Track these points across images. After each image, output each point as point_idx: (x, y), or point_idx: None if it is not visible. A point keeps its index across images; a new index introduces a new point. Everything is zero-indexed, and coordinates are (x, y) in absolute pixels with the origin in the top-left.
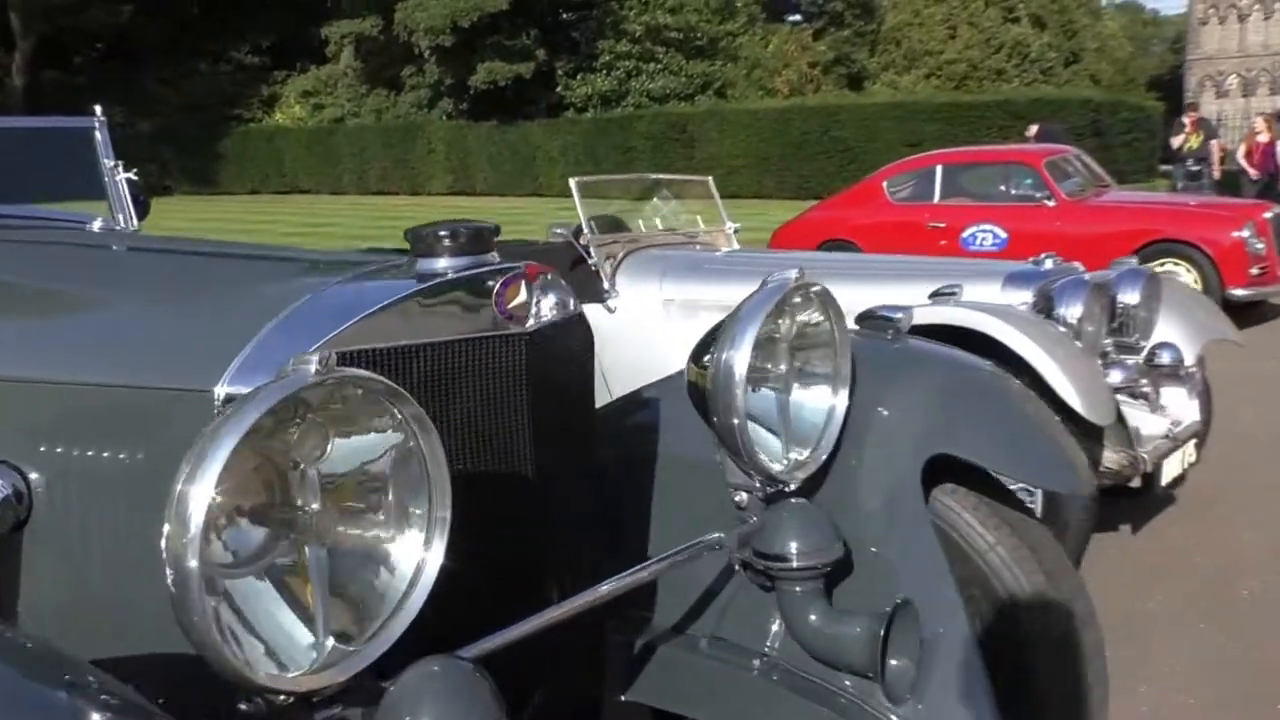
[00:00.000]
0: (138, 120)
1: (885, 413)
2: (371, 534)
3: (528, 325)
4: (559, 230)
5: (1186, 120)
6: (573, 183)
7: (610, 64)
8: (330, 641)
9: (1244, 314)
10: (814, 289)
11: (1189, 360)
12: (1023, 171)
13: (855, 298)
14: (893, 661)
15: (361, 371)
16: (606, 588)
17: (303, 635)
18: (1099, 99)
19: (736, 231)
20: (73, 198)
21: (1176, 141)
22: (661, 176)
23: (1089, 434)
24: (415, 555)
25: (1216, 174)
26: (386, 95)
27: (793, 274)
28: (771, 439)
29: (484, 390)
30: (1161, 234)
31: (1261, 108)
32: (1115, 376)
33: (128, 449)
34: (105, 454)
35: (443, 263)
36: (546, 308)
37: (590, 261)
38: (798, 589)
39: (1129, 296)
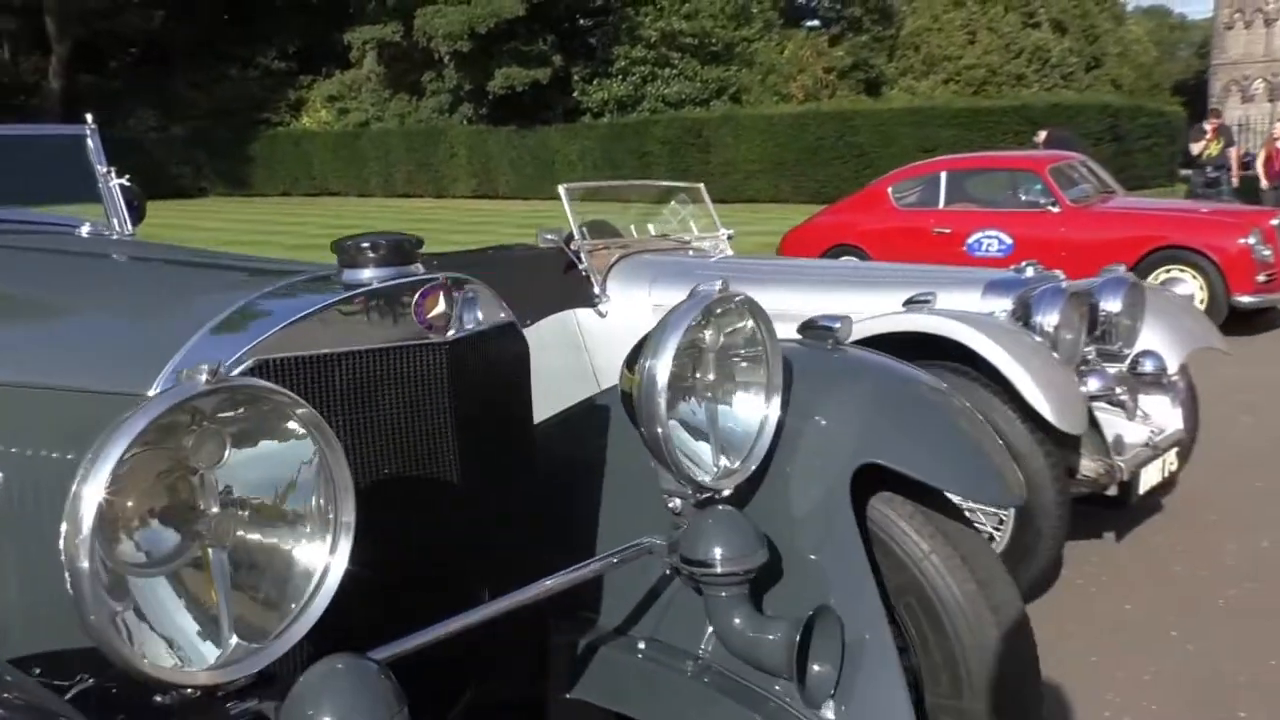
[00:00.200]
0: (171, 124)
1: (818, 422)
2: (276, 538)
3: (448, 335)
4: (550, 236)
5: (1208, 126)
6: (562, 189)
7: (626, 69)
8: (234, 640)
9: (1250, 322)
10: (738, 299)
11: (1172, 369)
12: (1028, 178)
13: (831, 304)
14: (814, 667)
15: (256, 380)
16: (533, 590)
17: (206, 633)
18: (1118, 104)
19: (730, 238)
20: (74, 202)
21: (1196, 148)
22: (655, 183)
23: (1064, 442)
24: (320, 558)
25: (1235, 181)
26: (408, 100)
27: (717, 285)
28: (702, 447)
29: (405, 398)
30: (1167, 240)
31: None
32: (1093, 384)
33: (74, 450)
34: (53, 454)
35: (367, 273)
36: (470, 318)
37: (581, 267)
38: (723, 594)
39: (1111, 304)
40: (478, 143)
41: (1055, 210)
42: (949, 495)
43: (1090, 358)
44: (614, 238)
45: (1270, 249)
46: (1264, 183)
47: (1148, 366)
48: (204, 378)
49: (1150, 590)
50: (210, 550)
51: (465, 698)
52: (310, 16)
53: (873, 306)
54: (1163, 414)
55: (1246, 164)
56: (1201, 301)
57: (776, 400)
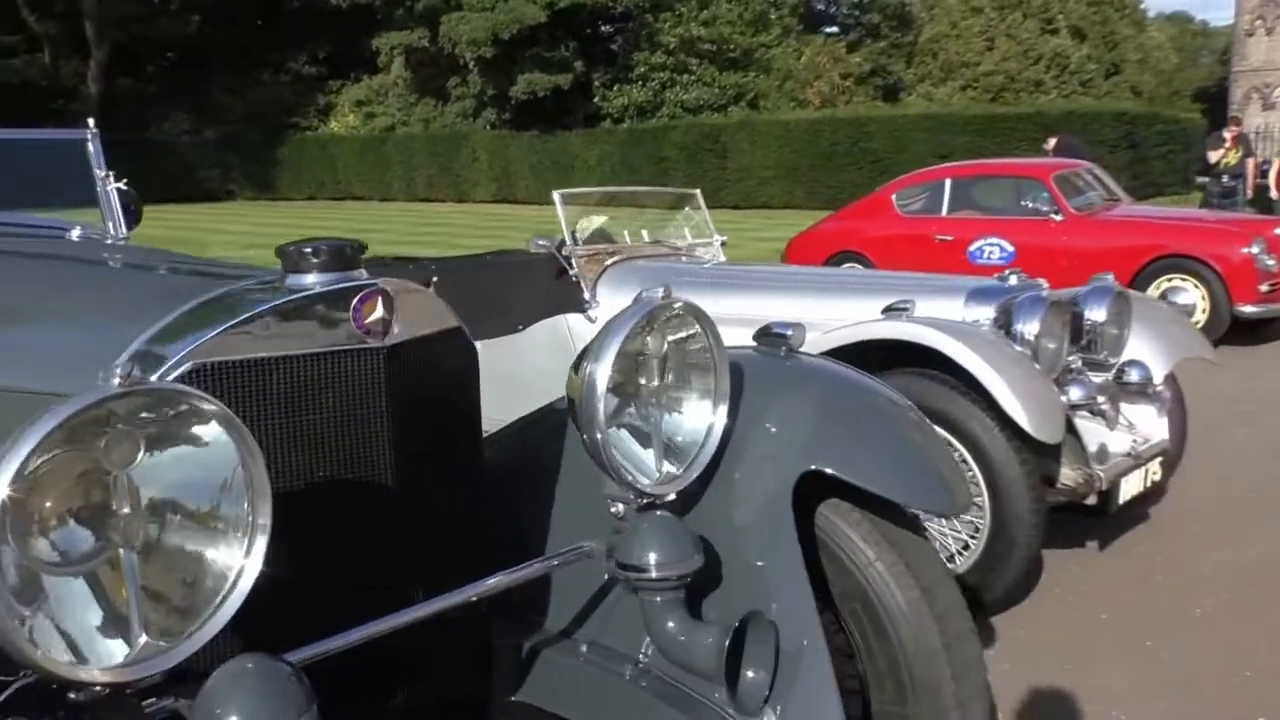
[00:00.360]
0: (205, 128)
1: (767, 428)
2: (191, 539)
3: (386, 340)
4: (542, 242)
5: (1227, 135)
6: (556, 195)
7: (645, 75)
8: (143, 639)
9: (1255, 332)
10: (681, 306)
11: (1158, 379)
12: (1032, 185)
13: (809, 311)
14: (748, 674)
15: (169, 384)
16: (464, 593)
17: (117, 632)
18: (1134, 111)
19: (724, 244)
20: (79, 205)
21: (1214, 156)
22: (652, 189)
23: (1042, 451)
24: (235, 560)
25: (1250, 191)
26: (434, 105)
27: (659, 292)
28: (646, 453)
29: (341, 401)
30: (1168, 249)
31: None
32: (1074, 393)
33: None
34: None
35: (310, 278)
36: (412, 324)
37: (571, 273)
38: (658, 598)
39: (1096, 313)
40: (499, 148)
41: (1058, 218)
42: (898, 503)
43: (1074, 366)
44: (607, 244)
45: (1274, 259)
46: (1274, 193)
47: (1133, 376)
48: (116, 380)
49: (1129, 599)
50: (122, 551)
51: (398, 698)
52: (340, 22)
53: (853, 314)
54: (1148, 424)
55: (1264, 172)
56: (1204, 311)
57: (723, 407)
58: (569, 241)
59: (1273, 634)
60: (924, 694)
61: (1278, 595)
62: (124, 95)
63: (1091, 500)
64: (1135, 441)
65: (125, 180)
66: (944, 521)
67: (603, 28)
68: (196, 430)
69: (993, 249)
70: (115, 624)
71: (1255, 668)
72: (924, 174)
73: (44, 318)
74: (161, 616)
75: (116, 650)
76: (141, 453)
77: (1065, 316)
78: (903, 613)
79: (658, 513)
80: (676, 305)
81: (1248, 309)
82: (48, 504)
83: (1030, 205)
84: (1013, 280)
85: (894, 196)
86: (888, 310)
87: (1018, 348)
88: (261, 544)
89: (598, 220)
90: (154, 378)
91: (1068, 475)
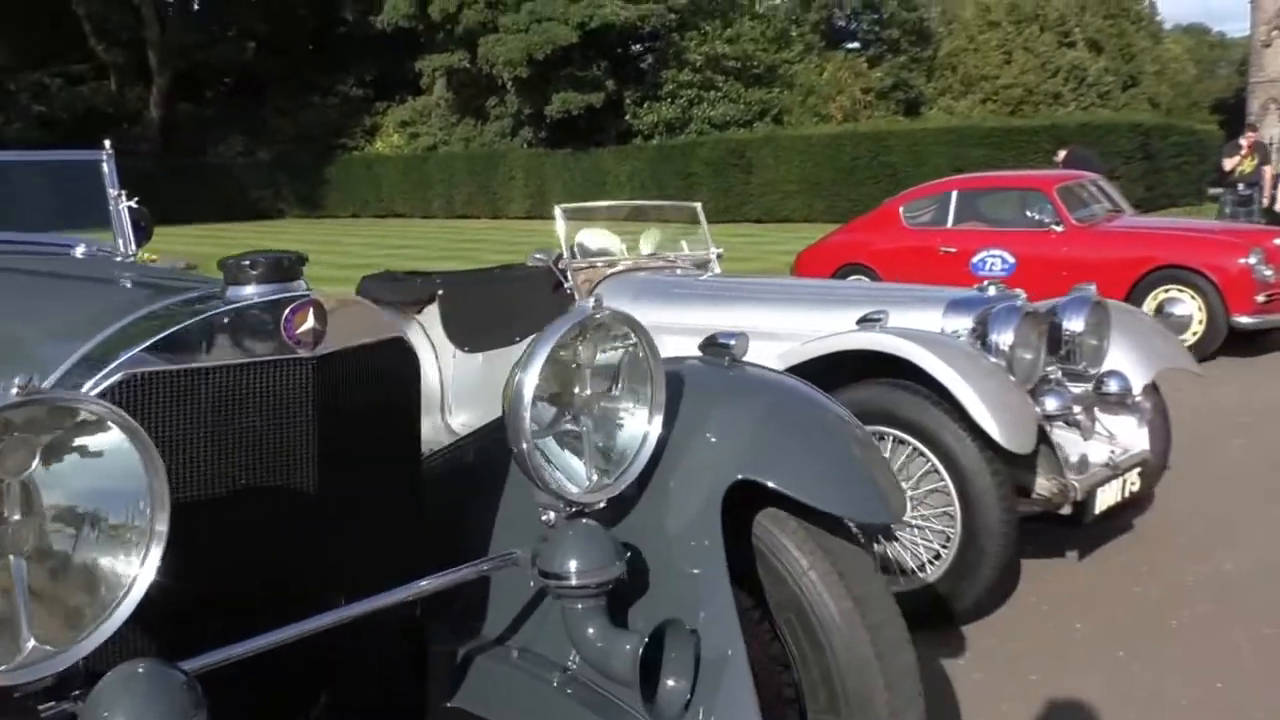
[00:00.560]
0: (258, 149)
1: (705, 437)
2: (86, 546)
3: (316, 350)
4: (539, 256)
5: (1243, 142)
6: (557, 210)
7: (674, 93)
8: (30, 643)
9: (1254, 343)
10: (613, 317)
11: (1137, 389)
12: (1035, 197)
13: (787, 322)
14: (668, 682)
15: (72, 394)
16: (378, 600)
17: (3, 636)
18: (1149, 123)
19: (720, 257)
20: (99, 223)
21: (1229, 164)
22: (651, 203)
23: (1016, 461)
24: (130, 568)
25: (1266, 201)
26: (474, 124)
27: (590, 303)
28: (578, 462)
29: (268, 410)
30: (1165, 260)
31: None
32: (1050, 404)
33: None
34: None
35: (248, 290)
36: (346, 334)
37: (566, 286)
38: (579, 606)
39: (1074, 324)
40: (535, 165)
41: (1059, 229)
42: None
43: (1053, 377)
44: (605, 257)
45: (1272, 269)
46: None
47: (1112, 386)
48: (15, 391)
49: (1104, 610)
50: (11, 557)
51: (319, 704)
52: (386, 46)
53: (833, 325)
54: (1128, 434)
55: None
56: (1200, 322)
57: (659, 417)
58: (566, 255)
59: (1248, 646)
60: (857, 703)
61: (1256, 607)
62: (184, 120)
63: (1066, 510)
64: (1113, 452)
65: (137, 199)
66: (915, 530)
67: (633, 47)
68: (97, 439)
69: (994, 260)
70: (2, 629)
71: (1228, 680)
72: (930, 186)
73: (13, 329)
74: (53, 622)
75: (2, 654)
76: (36, 462)
77: (1041, 327)
78: (835, 622)
79: (583, 521)
80: (608, 316)
81: (1245, 320)
82: None
83: (1035, 217)
84: (991, 291)
85: (901, 209)
86: (862, 321)
87: (992, 358)
88: (157, 553)
89: (600, 235)
90: (86, 387)
91: (1043, 485)
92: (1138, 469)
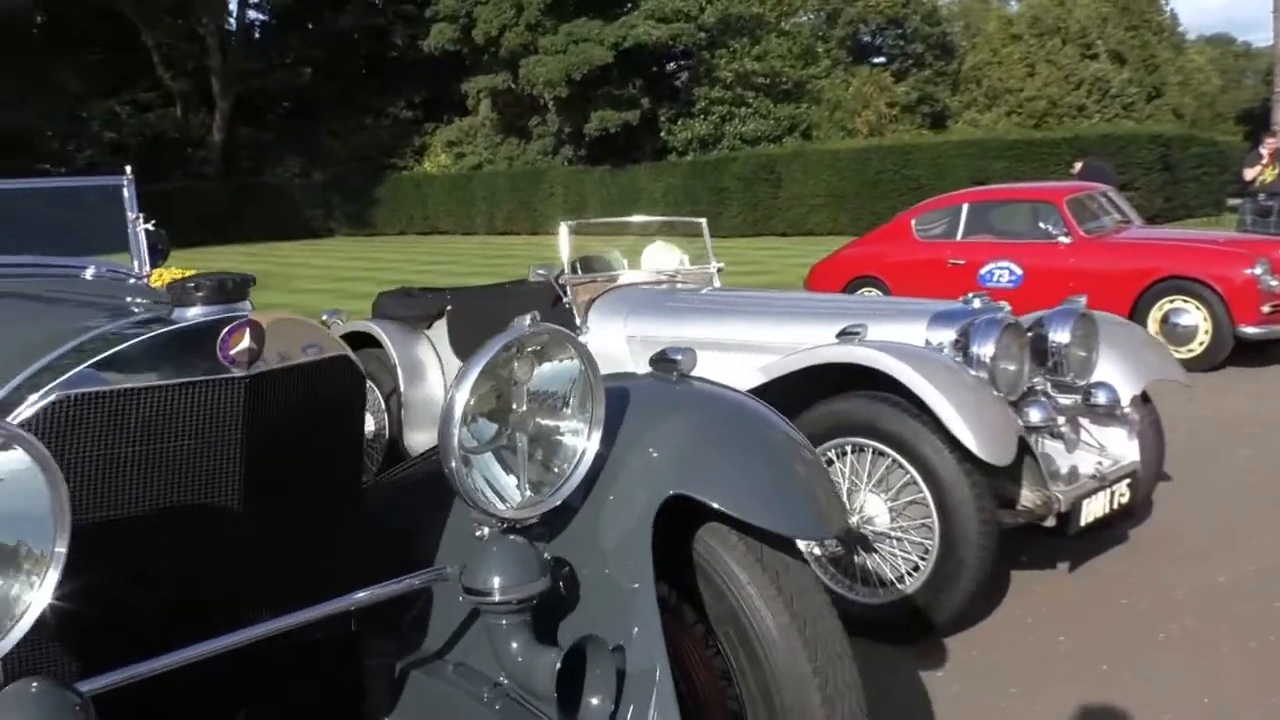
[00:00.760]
0: (314, 170)
1: (641, 453)
2: None
3: (250, 370)
4: (540, 271)
5: (1264, 150)
6: (562, 226)
7: (706, 109)
8: None
9: (1265, 354)
10: (547, 334)
11: (1126, 400)
12: (1045, 209)
13: (770, 335)
14: (592, 700)
15: None
16: (293, 619)
17: None
18: (1170, 134)
19: (720, 270)
20: (115, 248)
21: (1250, 173)
22: (658, 219)
23: (998, 472)
24: (25, 588)
25: None
26: (518, 143)
27: (527, 320)
28: (508, 478)
29: (199, 430)
30: (1170, 271)
31: None
32: (1034, 415)
33: None
34: None
35: (193, 311)
36: (285, 353)
37: (565, 300)
38: (502, 622)
39: (1060, 336)
40: (574, 182)
41: (1067, 241)
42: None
43: (1039, 388)
44: (604, 271)
45: (1278, 279)
46: None
47: (1101, 398)
48: None
49: (1091, 622)
50: None
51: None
52: (434, 69)
53: (814, 337)
54: (1118, 446)
55: None
56: (1206, 332)
57: (598, 433)
58: (567, 271)
59: (1235, 659)
60: (795, 718)
61: (1246, 619)
62: (244, 143)
63: (1051, 522)
64: (1100, 464)
65: (154, 222)
66: (895, 542)
67: (666, 66)
68: (3, 461)
69: (1002, 272)
70: None
71: (1213, 694)
72: (942, 200)
73: None
74: None
75: None
76: None
77: (1023, 339)
78: (772, 637)
79: (509, 537)
80: (547, 334)
81: (1250, 330)
82: None
83: (1044, 229)
84: (976, 304)
85: (913, 222)
86: (842, 334)
87: (973, 371)
88: (55, 575)
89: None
90: (20, 408)
91: (1027, 497)
92: (1126, 480)
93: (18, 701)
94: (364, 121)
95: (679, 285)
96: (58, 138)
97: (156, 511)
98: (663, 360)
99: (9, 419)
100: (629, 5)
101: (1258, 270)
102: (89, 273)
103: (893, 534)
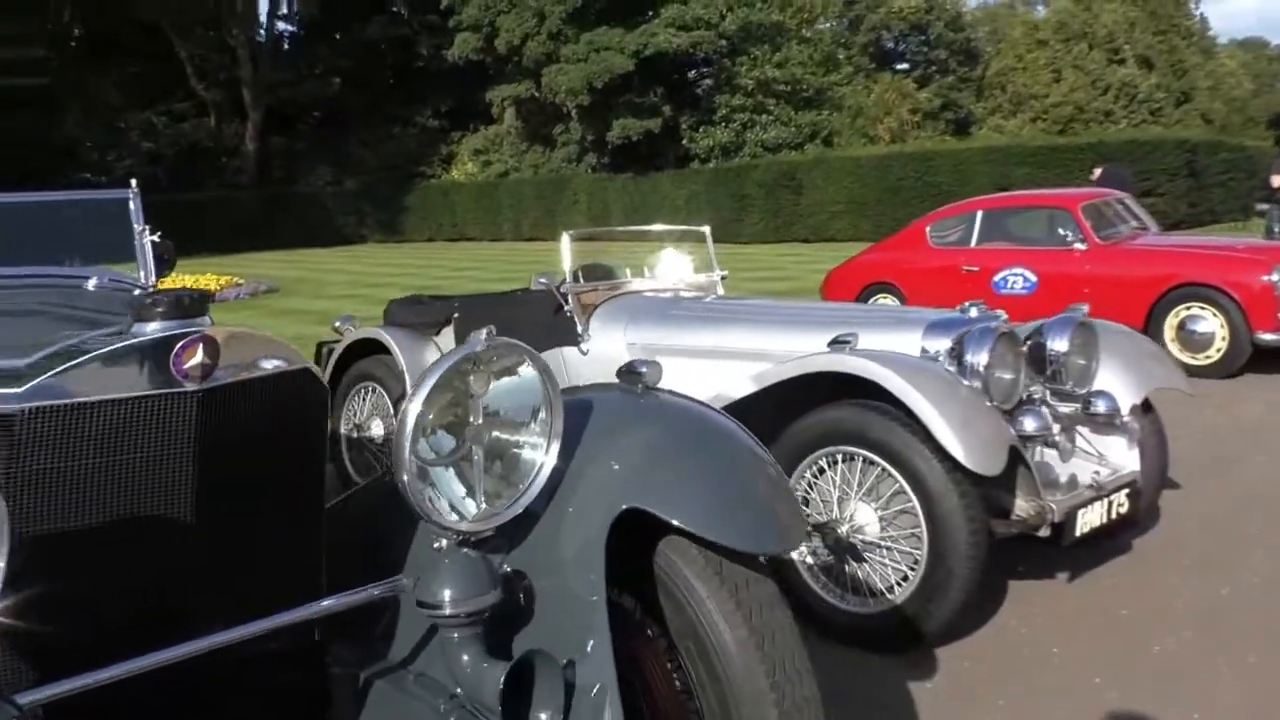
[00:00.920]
0: (345, 179)
1: (602, 466)
2: None
3: (203, 384)
4: (542, 280)
5: None
6: (564, 236)
7: (728, 117)
8: None
9: (1277, 361)
10: (503, 347)
11: (1125, 409)
12: (1060, 216)
13: (762, 343)
14: (540, 715)
15: None
16: (258, 626)
17: None
18: (1196, 139)
19: (724, 278)
20: (125, 258)
21: (1278, 179)
22: (662, 228)
23: (989, 481)
24: None
25: None
26: (542, 151)
27: (483, 334)
28: (465, 491)
29: (152, 443)
30: (1186, 278)
31: None
32: (1028, 424)
33: None
34: None
35: (151, 327)
36: (242, 367)
37: (566, 309)
38: (455, 635)
39: (1058, 344)
40: (597, 190)
41: (1082, 248)
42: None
43: (1037, 397)
44: (606, 280)
45: None
46: None
47: (1100, 407)
48: None
49: (1086, 634)
50: None
51: None
52: (458, 78)
53: (806, 346)
54: (1118, 455)
55: None
56: (1223, 339)
57: (556, 446)
58: (569, 279)
59: (1231, 674)
60: None
61: (1245, 633)
62: (276, 152)
63: (1045, 532)
64: (1097, 473)
65: (160, 234)
66: (885, 551)
67: (688, 74)
68: None
69: (1016, 279)
70: None
71: (1205, 709)
72: (957, 206)
73: None
74: None
75: None
76: None
77: (1019, 348)
78: (730, 652)
79: (463, 550)
80: (501, 347)
81: (1267, 337)
82: None
83: (1060, 235)
84: (973, 312)
85: (928, 229)
86: (833, 343)
87: (967, 379)
88: None
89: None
90: None
91: (1020, 506)
92: (1125, 490)
93: None
94: (392, 131)
95: (682, 293)
96: (97, 148)
97: (110, 524)
98: (628, 372)
99: None
100: (650, 13)
101: (1275, 277)
102: (91, 284)
103: (883, 543)
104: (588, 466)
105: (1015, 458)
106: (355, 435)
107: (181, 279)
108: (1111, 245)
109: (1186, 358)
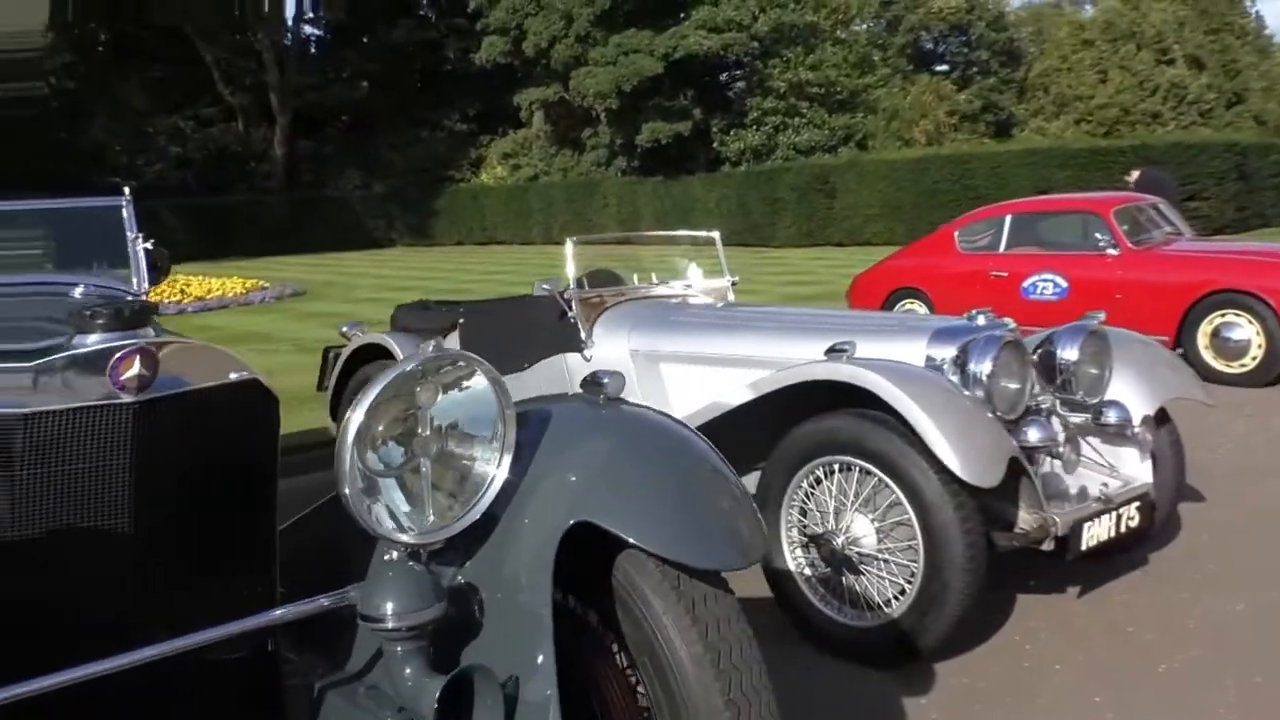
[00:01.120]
0: (373, 183)
1: (557, 478)
2: None
3: (140, 395)
4: (545, 286)
5: None
6: (568, 241)
7: (759, 119)
8: None
9: None
10: (457, 358)
11: (1137, 419)
12: (1091, 220)
13: (760, 350)
14: None
15: None
16: (202, 636)
17: None
18: (1246, 142)
19: (734, 284)
20: (120, 264)
21: None
22: (670, 233)
23: (991, 493)
24: None
25: None
26: (571, 155)
27: (430, 345)
28: (413, 503)
29: (89, 454)
30: (1221, 284)
31: None
32: (1032, 435)
33: None
34: None
35: (92, 338)
36: (182, 378)
37: (569, 315)
38: (397, 649)
39: (1069, 353)
40: (627, 193)
41: (1114, 253)
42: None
43: (1045, 406)
44: (612, 286)
45: None
46: None
47: (1110, 417)
48: None
49: (1090, 651)
50: None
51: None
52: (486, 82)
53: (807, 353)
54: (1130, 466)
55: None
56: (1259, 346)
57: (508, 458)
58: (573, 285)
59: (1236, 694)
60: None
61: (1255, 652)
62: (305, 156)
63: (1049, 545)
64: (1105, 485)
65: (153, 241)
66: (881, 564)
67: (719, 76)
68: None
69: (1046, 285)
70: None
71: None
72: (986, 211)
73: None
74: None
75: None
76: None
77: (1026, 357)
78: (685, 668)
79: (409, 563)
80: (453, 359)
81: None
82: None
83: (1092, 239)
84: (980, 320)
85: (957, 234)
86: (830, 351)
87: (970, 389)
88: None
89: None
90: None
91: (1023, 519)
92: (1136, 503)
93: None
94: (420, 134)
95: (691, 300)
96: (126, 152)
97: (48, 534)
98: (591, 383)
99: None
100: (680, 15)
101: None
102: (78, 291)
103: (880, 555)
104: (543, 479)
105: (1017, 469)
106: None
107: (206, 283)
108: (1145, 250)
109: (1221, 365)
